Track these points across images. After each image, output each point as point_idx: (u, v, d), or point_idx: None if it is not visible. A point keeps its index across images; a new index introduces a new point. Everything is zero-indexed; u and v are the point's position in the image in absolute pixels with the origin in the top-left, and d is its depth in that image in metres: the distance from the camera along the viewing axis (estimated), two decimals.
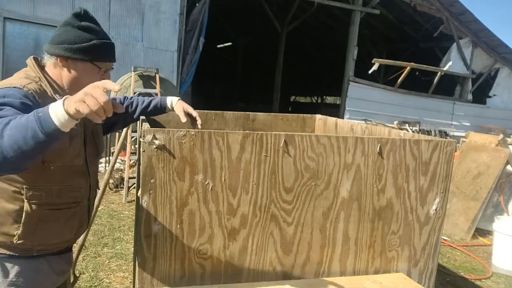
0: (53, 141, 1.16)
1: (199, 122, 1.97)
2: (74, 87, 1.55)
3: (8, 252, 1.51)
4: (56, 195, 1.53)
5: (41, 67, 1.60)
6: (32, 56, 1.62)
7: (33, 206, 1.49)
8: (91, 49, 1.56)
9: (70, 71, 1.56)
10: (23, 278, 1.54)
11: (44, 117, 1.12)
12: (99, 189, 1.88)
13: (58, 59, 1.55)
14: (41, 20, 8.25)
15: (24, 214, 1.48)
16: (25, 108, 1.33)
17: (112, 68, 1.68)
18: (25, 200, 1.48)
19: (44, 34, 8.28)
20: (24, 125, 1.12)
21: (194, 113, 1.99)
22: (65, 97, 1.16)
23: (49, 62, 1.58)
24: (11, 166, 1.17)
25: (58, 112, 1.12)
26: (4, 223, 1.49)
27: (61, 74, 1.58)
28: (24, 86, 1.44)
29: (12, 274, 1.52)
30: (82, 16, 1.59)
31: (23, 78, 1.51)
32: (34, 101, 1.43)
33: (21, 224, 1.49)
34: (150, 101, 2.02)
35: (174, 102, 2.01)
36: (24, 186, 1.46)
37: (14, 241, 1.49)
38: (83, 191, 1.65)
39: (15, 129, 1.12)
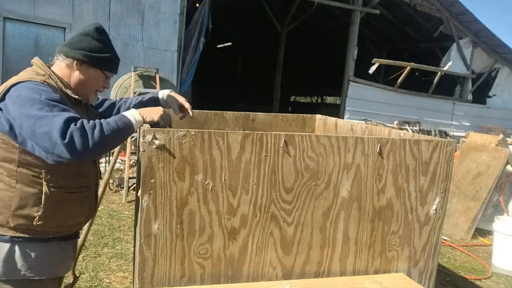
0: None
1: (191, 113, 2.07)
2: (80, 87, 1.78)
3: (26, 235, 1.61)
4: (71, 179, 1.67)
5: (48, 66, 1.75)
6: (36, 57, 1.79)
7: (52, 189, 1.61)
8: (105, 60, 1.80)
9: (82, 74, 1.76)
10: (41, 261, 1.65)
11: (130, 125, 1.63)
12: (101, 178, 2.02)
13: (75, 62, 1.74)
14: (41, 20, 8.25)
15: (43, 196, 1.60)
16: (61, 100, 1.58)
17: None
18: (44, 183, 1.60)
19: (44, 34, 8.29)
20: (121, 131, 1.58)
21: (187, 104, 2.09)
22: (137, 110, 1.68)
23: (62, 62, 1.76)
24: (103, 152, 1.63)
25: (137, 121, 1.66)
26: (25, 206, 1.59)
27: (70, 74, 1.77)
28: (44, 81, 1.62)
29: (31, 258, 1.62)
30: (101, 31, 1.83)
31: (34, 75, 1.65)
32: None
33: (41, 206, 1.60)
34: (143, 97, 2.14)
35: (166, 94, 2.12)
36: (43, 171, 1.59)
37: (35, 223, 1.60)
38: (92, 177, 1.81)
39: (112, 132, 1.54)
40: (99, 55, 1.77)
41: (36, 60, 1.76)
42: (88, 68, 1.76)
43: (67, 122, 1.47)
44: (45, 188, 1.60)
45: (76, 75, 1.76)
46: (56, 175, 1.62)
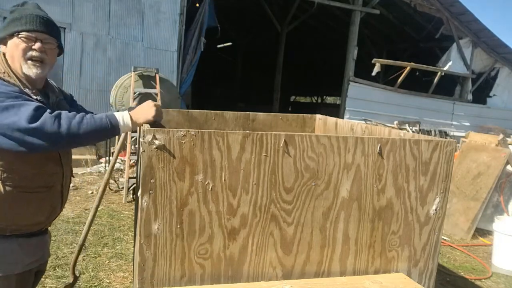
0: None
1: None
2: (12, 65, 1.63)
3: None
4: (30, 179, 1.61)
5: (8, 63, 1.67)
6: (1, 52, 1.68)
7: (7, 188, 1.56)
8: (12, 23, 1.64)
9: (6, 51, 1.65)
10: None
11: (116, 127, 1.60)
12: (73, 176, 1.97)
13: (1, 45, 1.66)
14: None
15: None
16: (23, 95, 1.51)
17: (49, 43, 1.69)
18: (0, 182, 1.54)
19: None
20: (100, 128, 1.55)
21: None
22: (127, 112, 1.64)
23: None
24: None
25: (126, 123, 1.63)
26: None
27: (6, 57, 1.65)
28: (1, 78, 1.56)
29: None
30: (23, 3, 1.72)
31: None
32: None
33: None
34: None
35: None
36: None
37: None
38: (55, 177, 1.73)
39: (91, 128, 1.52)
40: (6, 22, 1.65)
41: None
42: (8, 42, 1.64)
43: (38, 109, 1.43)
44: (0, 187, 1.55)
45: (7, 55, 1.65)
46: (13, 173, 1.56)
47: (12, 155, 1.53)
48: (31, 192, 1.64)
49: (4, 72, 1.61)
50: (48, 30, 1.69)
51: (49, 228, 1.90)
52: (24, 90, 1.60)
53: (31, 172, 1.60)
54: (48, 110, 1.47)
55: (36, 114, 1.42)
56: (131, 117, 1.65)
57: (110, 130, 1.59)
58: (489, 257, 4.73)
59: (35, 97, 1.62)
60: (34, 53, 1.63)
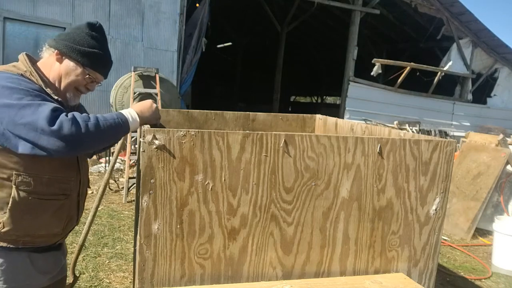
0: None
1: None
2: (58, 82, 1.62)
3: None
4: (45, 184, 1.53)
5: (33, 63, 1.63)
6: (24, 52, 1.65)
7: (21, 193, 1.48)
8: (89, 55, 1.63)
9: (61, 67, 1.62)
10: (5, 270, 1.51)
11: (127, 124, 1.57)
12: (89, 187, 1.88)
13: (55, 52, 1.61)
14: (41, 20, 8.25)
15: (11, 200, 1.46)
16: (42, 94, 1.47)
17: (100, 84, 1.76)
18: (14, 187, 1.46)
19: (44, 34, 8.28)
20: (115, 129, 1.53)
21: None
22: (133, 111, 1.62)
23: (46, 53, 1.64)
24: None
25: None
26: None
27: (51, 67, 1.62)
28: (21, 74, 1.51)
29: None
30: (96, 27, 1.68)
31: (11, 67, 1.56)
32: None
33: (7, 211, 1.47)
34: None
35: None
36: (14, 172, 1.46)
37: (0, 229, 1.48)
38: (72, 184, 1.65)
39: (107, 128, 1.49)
40: (83, 48, 1.61)
41: (21, 56, 1.62)
42: (69, 62, 1.61)
43: (56, 111, 1.37)
44: (14, 192, 1.46)
45: (55, 68, 1.61)
46: (28, 177, 1.48)
47: (27, 158, 1.45)
48: (47, 200, 1.54)
49: (26, 71, 1.55)
50: (106, 75, 1.75)
51: (65, 241, 1.81)
52: (46, 90, 1.55)
53: (46, 177, 1.52)
54: (65, 112, 1.42)
55: (54, 115, 1.36)
56: (136, 112, 1.63)
57: (123, 127, 1.55)
58: (489, 257, 4.73)
59: (55, 97, 1.56)
60: (84, 89, 1.68)
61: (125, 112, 1.61)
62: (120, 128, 1.54)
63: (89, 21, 1.69)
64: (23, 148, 1.40)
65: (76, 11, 8.49)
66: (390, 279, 1.72)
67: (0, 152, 1.44)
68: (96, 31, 1.67)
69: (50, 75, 1.62)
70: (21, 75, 1.52)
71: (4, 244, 1.51)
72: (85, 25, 1.66)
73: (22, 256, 1.55)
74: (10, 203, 1.47)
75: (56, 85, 1.62)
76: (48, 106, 1.38)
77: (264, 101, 18.74)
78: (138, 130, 1.75)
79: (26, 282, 1.57)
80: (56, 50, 1.61)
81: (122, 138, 2.30)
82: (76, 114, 1.42)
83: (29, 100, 1.39)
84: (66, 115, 1.39)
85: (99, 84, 1.75)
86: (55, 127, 1.34)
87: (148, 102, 1.70)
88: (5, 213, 1.47)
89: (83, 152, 1.59)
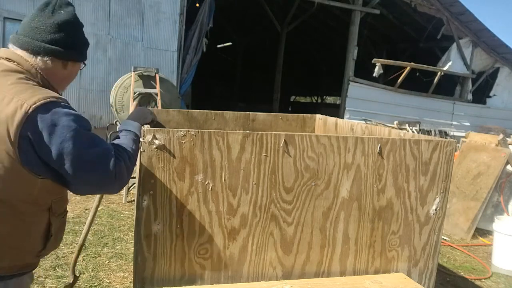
0: None
1: None
2: (63, 84, 1.57)
3: (14, 272, 1.42)
4: (61, 203, 1.52)
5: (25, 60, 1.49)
6: (10, 49, 1.48)
7: (53, 217, 1.47)
8: (84, 47, 1.61)
9: (72, 72, 1.57)
10: None
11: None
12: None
13: (69, 63, 1.53)
14: None
15: (52, 225, 1.47)
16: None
17: None
18: (48, 213, 1.45)
19: None
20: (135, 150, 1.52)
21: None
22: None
23: (49, 63, 1.47)
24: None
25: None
26: (29, 242, 1.43)
27: (54, 72, 1.49)
28: (59, 98, 1.41)
29: None
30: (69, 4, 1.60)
31: (45, 92, 1.40)
32: None
33: (49, 236, 1.47)
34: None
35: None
36: (52, 200, 1.44)
37: (38, 257, 1.48)
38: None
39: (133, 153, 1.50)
40: (80, 48, 1.57)
41: (17, 56, 1.43)
42: (74, 64, 1.57)
43: (110, 154, 1.38)
44: (51, 218, 1.46)
45: (65, 73, 1.54)
46: (58, 202, 1.48)
47: (53, 184, 1.41)
48: (62, 217, 1.55)
49: (39, 83, 1.44)
50: None
51: None
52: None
53: (59, 196, 1.49)
54: (112, 155, 1.40)
55: (110, 162, 1.37)
56: (133, 120, 1.63)
57: (139, 141, 1.54)
58: (489, 257, 4.73)
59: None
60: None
61: (127, 125, 1.57)
62: (138, 144, 1.54)
63: (72, 13, 1.57)
64: (84, 192, 1.46)
65: (76, 11, 8.45)
66: (390, 279, 1.72)
67: (43, 184, 1.38)
68: (77, 19, 1.59)
69: (53, 80, 1.51)
70: (59, 98, 1.41)
71: (24, 270, 1.47)
72: (73, 15, 1.56)
73: (24, 277, 1.50)
74: (52, 228, 1.46)
75: (55, 87, 1.53)
76: (103, 149, 1.38)
77: (264, 101, 18.73)
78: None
79: None
80: (70, 61, 1.52)
81: None
82: (118, 152, 1.40)
83: (88, 143, 1.36)
84: (114, 156, 1.38)
85: None
86: (115, 172, 1.37)
87: (133, 108, 1.74)
88: (47, 239, 1.47)
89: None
